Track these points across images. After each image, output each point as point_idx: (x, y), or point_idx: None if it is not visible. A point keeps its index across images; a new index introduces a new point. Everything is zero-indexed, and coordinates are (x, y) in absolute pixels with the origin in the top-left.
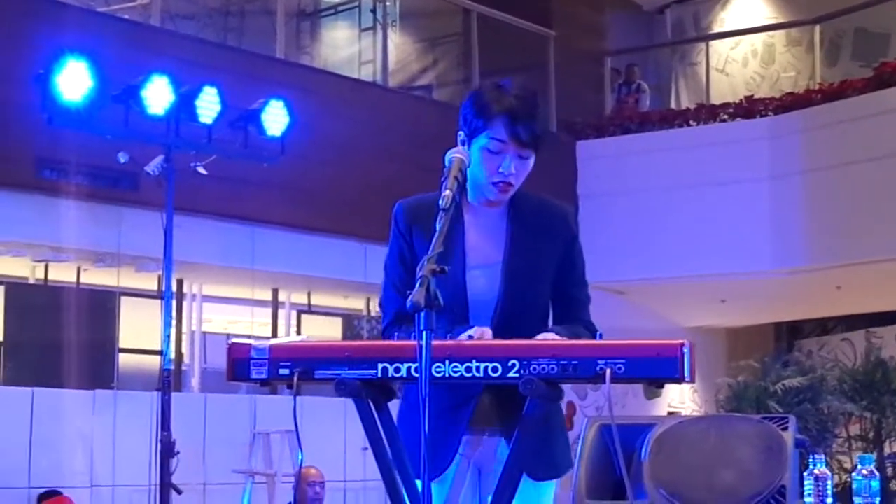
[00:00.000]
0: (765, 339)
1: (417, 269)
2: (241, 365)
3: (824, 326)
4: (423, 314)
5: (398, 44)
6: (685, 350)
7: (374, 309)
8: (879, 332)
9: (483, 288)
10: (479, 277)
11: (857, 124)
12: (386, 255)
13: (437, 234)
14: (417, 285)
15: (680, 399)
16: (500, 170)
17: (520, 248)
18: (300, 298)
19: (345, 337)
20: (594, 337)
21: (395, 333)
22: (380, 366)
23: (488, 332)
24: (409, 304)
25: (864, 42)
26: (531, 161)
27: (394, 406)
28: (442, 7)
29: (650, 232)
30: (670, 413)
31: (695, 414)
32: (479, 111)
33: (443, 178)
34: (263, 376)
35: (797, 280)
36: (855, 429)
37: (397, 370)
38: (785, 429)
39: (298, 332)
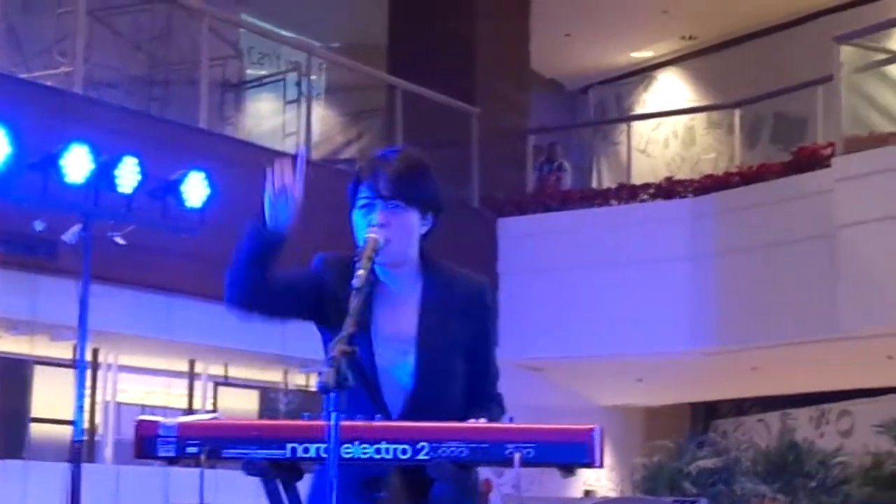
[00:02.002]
0: (682, 419)
1: (329, 348)
2: (148, 442)
3: (741, 407)
4: (332, 395)
5: (322, 116)
6: (595, 435)
7: (292, 382)
8: (794, 413)
9: (396, 365)
10: (390, 356)
11: (774, 207)
12: None
13: (349, 315)
14: (328, 366)
15: (596, 478)
16: (370, 223)
17: (433, 324)
18: (217, 370)
19: (261, 410)
20: (503, 413)
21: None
22: (289, 446)
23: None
24: (318, 384)
25: (782, 126)
26: (409, 216)
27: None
28: (367, 82)
29: (569, 310)
30: (586, 492)
31: (610, 493)
32: (353, 183)
33: (356, 259)
34: (171, 454)
35: (714, 361)
36: None
37: (306, 451)
38: None
39: (215, 404)
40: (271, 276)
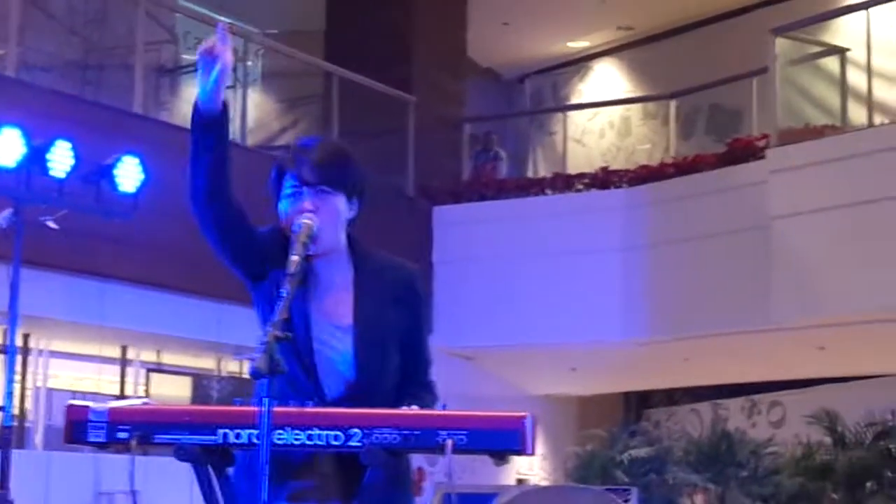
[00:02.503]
0: (615, 409)
1: (261, 334)
2: (78, 427)
3: (672, 397)
4: (265, 381)
5: (258, 103)
6: (527, 423)
7: (225, 369)
8: (726, 403)
9: (331, 352)
10: (326, 342)
11: (708, 198)
12: None
13: (282, 301)
14: (260, 352)
15: (529, 466)
16: (299, 209)
17: (369, 311)
18: (150, 356)
19: (194, 397)
20: (436, 401)
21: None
22: (220, 431)
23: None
24: (251, 369)
25: (717, 117)
26: (337, 200)
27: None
28: (303, 69)
29: (503, 299)
30: (519, 480)
31: (543, 482)
32: (276, 174)
33: (291, 244)
34: (101, 440)
35: (646, 351)
36: (700, 500)
37: (238, 436)
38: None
39: (147, 391)
40: (230, 188)
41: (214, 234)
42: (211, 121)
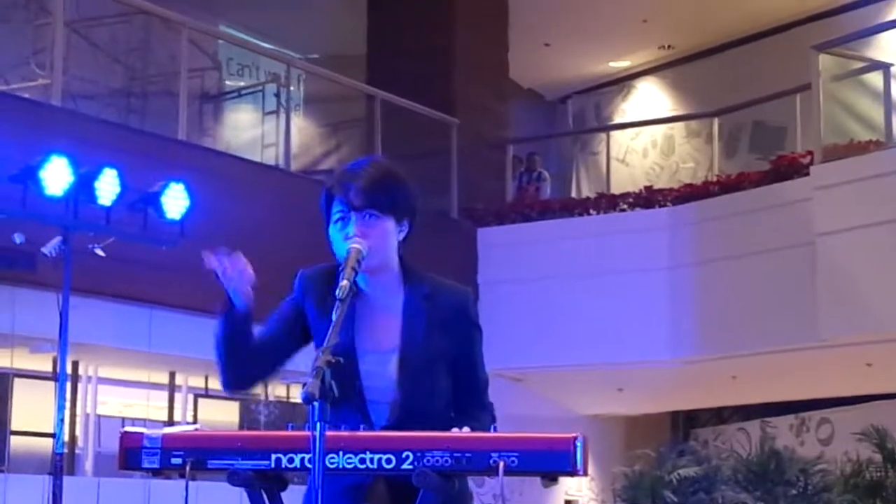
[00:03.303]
0: (662, 428)
1: (312, 360)
2: (133, 454)
3: (720, 416)
4: (317, 405)
5: (301, 128)
6: (578, 444)
7: (273, 393)
8: (774, 422)
9: (378, 377)
10: (373, 366)
11: (752, 216)
12: None
13: (332, 326)
14: (312, 377)
15: (577, 487)
16: (347, 234)
17: (416, 335)
18: (197, 382)
19: (242, 422)
20: (494, 421)
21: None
22: (273, 456)
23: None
24: (303, 395)
25: (761, 135)
26: (385, 224)
27: (287, 495)
28: (346, 92)
29: (549, 320)
30: (567, 502)
31: (591, 503)
32: (325, 200)
33: (340, 269)
34: (155, 466)
35: (693, 370)
36: None
37: (290, 461)
38: None
39: (195, 416)
40: (254, 346)
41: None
42: (241, 323)
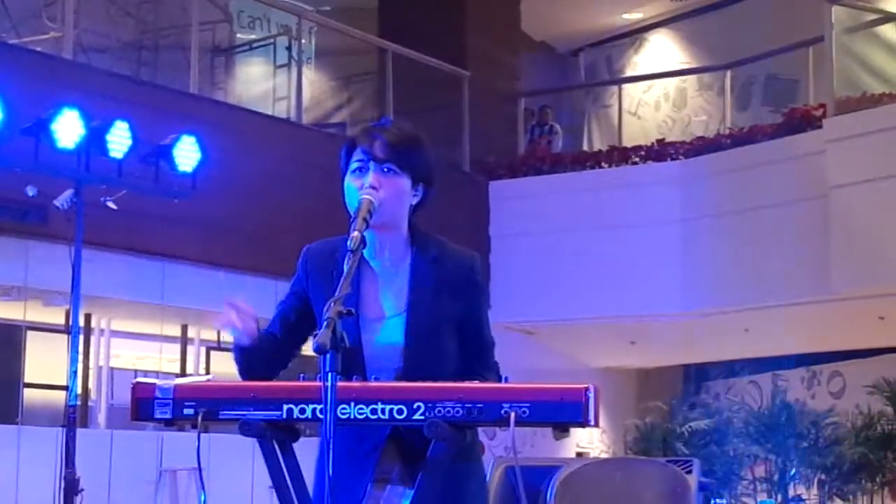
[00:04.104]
0: (674, 381)
1: (324, 310)
2: (145, 405)
3: (732, 369)
4: (329, 356)
5: (313, 81)
6: (589, 394)
7: None
8: (785, 374)
9: (384, 340)
10: (379, 329)
11: (765, 169)
12: None
13: (343, 276)
14: (324, 327)
15: (588, 439)
16: (363, 183)
17: (423, 301)
18: (210, 335)
19: None
20: (500, 380)
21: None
22: (285, 407)
23: None
24: (314, 345)
25: (774, 87)
26: (401, 181)
27: (299, 446)
28: (357, 45)
29: (561, 273)
30: (578, 454)
31: (603, 454)
32: (346, 150)
33: (352, 220)
34: (168, 416)
35: (706, 322)
36: (760, 471)
37: (302, 411)
38: (689, 472)
39: (207, 369)
40: (266, 356)
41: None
42: (255, 350)
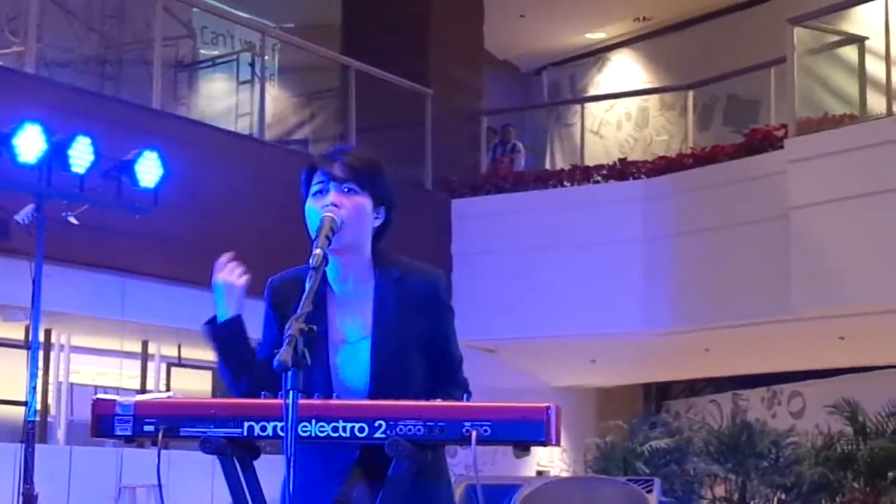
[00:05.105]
0: (634, 400)
1: (286, 328)
2: (105, 421)
3: (693, 388)
4: (290, 373)
5: (275, 97)
6: (551, 413)
7: None
8: (746, 394)
9: (351, 366)
10: (345, 353)
11: (727, 189)
12: None
13: (305, 294)
14: (285, 344)
15: (549, 458)
16: (324, 203)
17: (388, 324)
18: (170, 351)
19: (214, 390)
20: (468, 397)
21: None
22: (246, 424)
23: None
24: (275, 363)
25: (735, 108)
26: (362, 200)
27: (259, 463)
28: (320, 62)
29: (522, 291)
30: (539, 472)
31: (563, 473)
32: (306, 174)
33: (314, 238)
34: (128, 433)
35: (666, 341)
36: (720, 490)
37: (263, 429)
38: (650, 491)
39: (168, 385)
40: (258, 367)
41: None
42: (232, 336)
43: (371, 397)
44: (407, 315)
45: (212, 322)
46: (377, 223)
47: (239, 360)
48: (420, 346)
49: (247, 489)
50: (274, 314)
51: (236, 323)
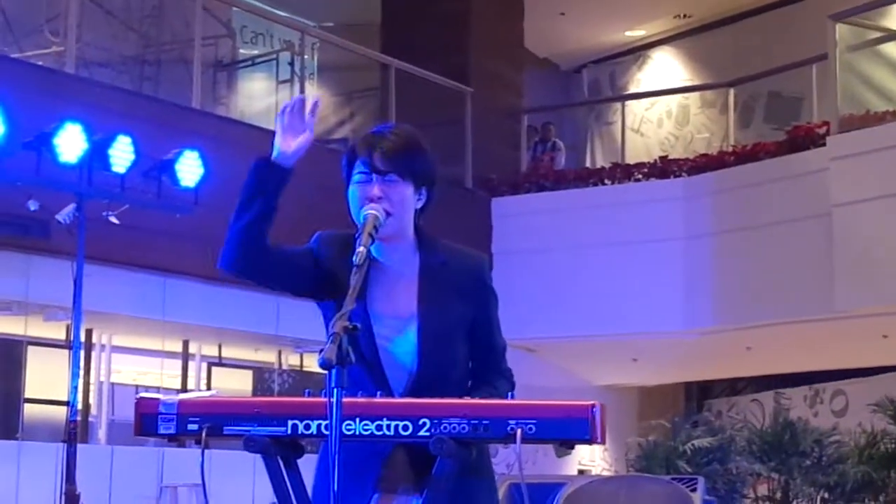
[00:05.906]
0: (675, 399)
1: (329, 326)
2: (148, 420)
3: (734, 387)
4: (334, 371)
5: (315, 96)
6: (595, 411)
7: (286, 362)
8: (788, 393)
9: (396, 344)
10: (390, 333)
11: (768, 187)
12: None
13: (349, 291)
14: (329, 342)
15: (590, 457)
16: (367, 196)
17: (433, 302)
18: (211, 350)
19: (255, 390)
20: (512, 388)
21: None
22: (290, 423)
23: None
24: (320, 360)
25: (776, 105)
26: (405, 189)
27: (304, 462)
28: (360, 61)
29: (563, 290)
30: (580, 471)
31: (604, 472)
32: (347, 160)
33: (357, 235)
34: (171, 431)
35: (708, 340)
36: (763, 489)
37: (307, 427)
38: (693, 489)
39: (209, 385)
40: (269, 243)
41: (257, 283)
42: (274, 182)
43: (417, 377)
44: (452, 297)
45: (263, 159)
46: (419, 205)
47: (259, 211)
48: (464, 329)
49: (290, 488)
50: (310, 248)
51: (279, 171)
